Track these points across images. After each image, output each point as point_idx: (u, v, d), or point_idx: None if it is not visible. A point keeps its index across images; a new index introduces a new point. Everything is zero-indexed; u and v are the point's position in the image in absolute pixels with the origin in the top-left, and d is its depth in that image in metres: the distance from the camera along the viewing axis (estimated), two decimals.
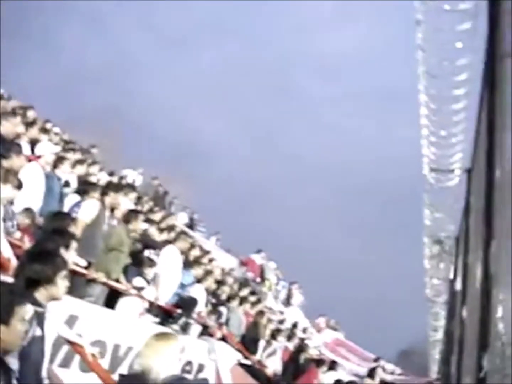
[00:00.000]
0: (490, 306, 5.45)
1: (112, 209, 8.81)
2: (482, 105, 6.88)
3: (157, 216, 14.31)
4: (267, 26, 62.75)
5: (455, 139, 9.40)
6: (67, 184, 9.61)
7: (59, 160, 9.45)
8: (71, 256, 5.43)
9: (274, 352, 13.41)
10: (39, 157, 9.28)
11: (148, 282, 9.59)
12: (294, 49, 62.83)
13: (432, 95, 8.48)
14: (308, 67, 63.65)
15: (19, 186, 6.65)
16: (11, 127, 9.03)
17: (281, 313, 19.38)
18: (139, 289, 9.28)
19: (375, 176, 55.02)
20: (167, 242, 11.01)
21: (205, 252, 15.09)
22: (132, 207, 10.64)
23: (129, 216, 9.11)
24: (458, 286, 12.42)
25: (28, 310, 3.41)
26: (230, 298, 13.17)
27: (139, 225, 9.35)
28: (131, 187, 12.92)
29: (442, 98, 8.56)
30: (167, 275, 10.12)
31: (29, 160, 8.82)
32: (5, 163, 7.30)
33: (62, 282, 4.41)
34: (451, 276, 14.91)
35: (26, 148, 9.70)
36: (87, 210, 8.22)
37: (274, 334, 13.74)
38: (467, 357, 9.43)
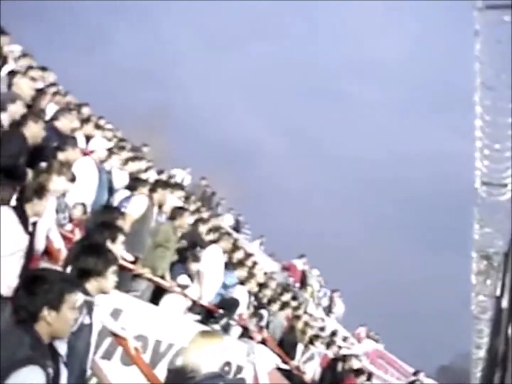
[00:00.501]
0: None
1: (160, 206, 8.92)
2: None
3: (203, 216, 14.40)
4: (314, 30, 62.76)
5: (509, 153, 9.19)
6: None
7: (109, 155, 9.66)
8: (118, 249, 5.52)
9: (312, 358, 13.34)
10: (92, 151, 9.49)
11: (192, 279, 9.67)
12: (344, 54, 62.72)
13: (487, 107, 8.32)
14: (358, 72, 63.38)
15: (72, 179, 6.80)
16: (68, 122, 9.27)
17: (322, 320, 19.25)
18: (183, 287, 9.37)
19: (425, 187, 54.41)
20: (211, 242, 11.09)
21: (249, 255, 15.11)
22: (179, 204, 10.74)
23: (175, 212, 9.19)
24: (505, 303, 12.15)
25: (78, 298, 3.49)
26: (271, 302, 13.17)
27: (185, 221, 9.41)
28: (179, 185, 13.04)
29: (497, 110, 8.38)
30: (210, 274, 10.18)
31: (84, 154, 9.03)
32: (61, 156, 7.50)
33: (112, 277, 4.54)
34: (498, 293, 14.60)
35: (81, 143, 9.94)
36: (136, 206, 8.34)
37: (312, 340, 13.68)
38: (511, 375, 9.23)
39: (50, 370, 3.11)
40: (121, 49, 55.76)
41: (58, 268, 5.04)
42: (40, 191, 5.44)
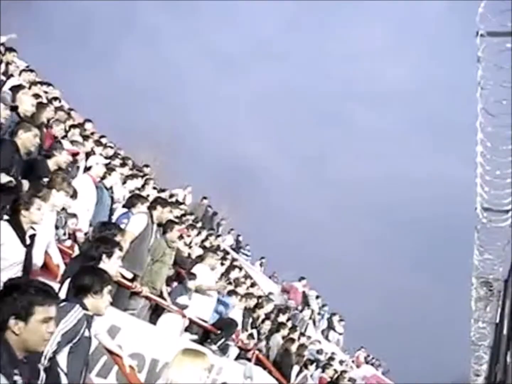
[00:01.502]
0: None
1: (159, 224, 8.86)
2: None
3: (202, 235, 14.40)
4: (321, 53, 63.19)
5: (510, 179, 9.18)
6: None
7: (108, 171, 9.62)
8: (114, 265, 5.48)
9: (306, 381, 13.25)
10: (77, 154, 9.47)
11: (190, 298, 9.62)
12: (349, 78, 63.03)
13: (488, 133, 8.33)
14: (362, 96, 63.62)
15: (72, 195, 6.80)
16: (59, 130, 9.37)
17: (319, 342, 19.11)
18: (182, 307, 9.32)
19: (426, 211, 54.41)
20: (198, 257, 10.96)
21: (246, 275, 15.14)
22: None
23: (166, 226, 9.09)
24: (505, 330, 12.10)
25: (52, 312, 3.34)
26: (269, 324, 13.11)
27: (176, 234, 9.28)
28: (179, 203, 12.99)
29: (498, 136, 8.39)
30: (203, 293, 10.08)
31: (72, 155, 8.98)
32: (50, 163, 7.53)
33: (107, 296, 4.55)
34: (498, 319, 14.54)
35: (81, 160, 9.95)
36: (136, 223, 8.27)
37: (306, 363, 13.57)
38: None
39: (19, 381, 3.04)
40: (126, 66, 56.08)
41: (55, 284, 5.02)
42: (30, 201, 5.42)
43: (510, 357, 10.07)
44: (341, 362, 19.10)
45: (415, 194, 57.41)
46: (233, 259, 18.06)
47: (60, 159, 7.91)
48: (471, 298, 15.82)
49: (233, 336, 10.85)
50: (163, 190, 16.15)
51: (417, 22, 60.36)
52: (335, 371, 16.10)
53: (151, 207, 8.65)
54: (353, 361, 23.78)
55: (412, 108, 60.95)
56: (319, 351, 16.80)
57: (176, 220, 10.84)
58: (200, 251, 11.41)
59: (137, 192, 10.44)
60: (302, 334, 16.21)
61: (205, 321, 10.11)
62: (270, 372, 11.56)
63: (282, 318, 14.64)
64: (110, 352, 5.80)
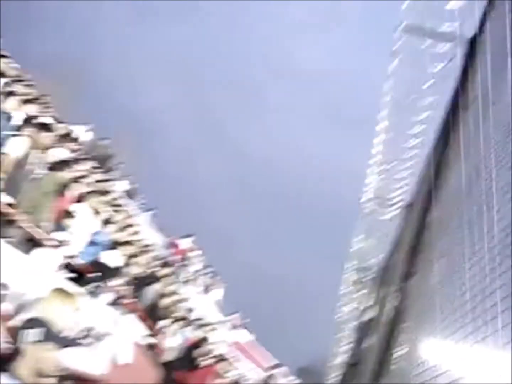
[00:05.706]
0: (392, 341, 5.51)
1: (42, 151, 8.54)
2: (435, 148, 7.01)
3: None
4: (243, 20, 62.76)
5: (402, 174, 9.48)
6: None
7: (8, 95, 9.16)
8: None
9: (173, 336, 13.39)
10: None
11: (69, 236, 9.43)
12: (266, 49, 63.07)
13: (389, 126, 8.54)
14: (275, 70, 63.91)
15: None
16: None
17: (193, 301, 19.27)
18: (60, 243, 9.11)
19: (319, 191, 55.72)
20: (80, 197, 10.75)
21: (133, 224, 15.01)
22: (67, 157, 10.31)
23: (59, 165, 8.80)
24: (369, 316, 12.66)
25: None
26: (148, 274, 13.12)
27: (66, 176, 8.99)
28: (72, 138, 12.55)
29: (399, 131, 8.61)
30: (81, 233, 9.89)
31: None
32: None
33: None
34: (365, 305, 15.20)
35: None
36: (16, 146, 7.90)
37: (177, 319, 13.68)
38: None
39: None
40: None
41: None
42: None
43: (369, 343, 10.57)
44: (211, 324, 19.33)
45: (307, 171, 58.66)
46: (123, 205, 17.83)
47: None
48: (343, 281, 16.37)
49: (110, 281, 10.75)
50: (62, 122, 15.59)
51: (344, 6, 60.97)
52: (205, 332, 16.31)
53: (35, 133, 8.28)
54: (226, 322, 24.13)
55: (322, 89, 61.82)
56: (191, 310, 16.96)
57: (72, 160, 10.57)
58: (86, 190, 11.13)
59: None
60: (176, 291, 16.32)
61: (82, 261, 9.94)
62: (142, 321, 11.57)
63: (164, 271, 14.63)
64: None
